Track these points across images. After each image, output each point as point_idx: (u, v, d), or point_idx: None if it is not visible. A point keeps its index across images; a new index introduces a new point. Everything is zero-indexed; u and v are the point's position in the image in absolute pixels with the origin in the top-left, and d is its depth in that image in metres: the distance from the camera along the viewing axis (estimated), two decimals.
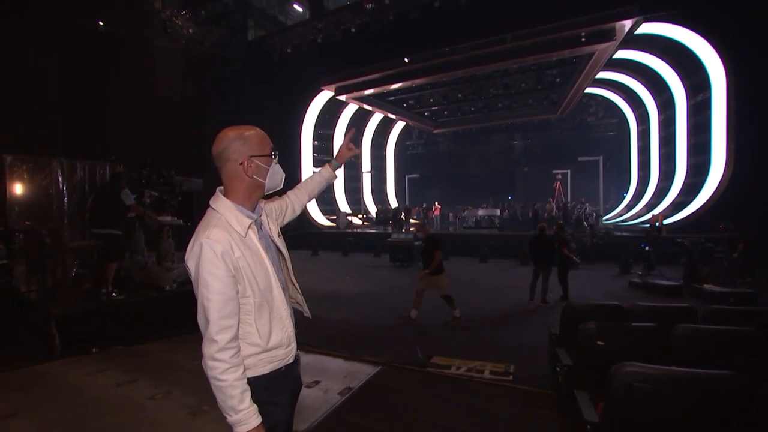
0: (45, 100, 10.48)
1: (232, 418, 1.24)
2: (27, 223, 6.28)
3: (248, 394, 1.26)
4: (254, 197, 1.43)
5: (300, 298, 1.65)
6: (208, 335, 1.23)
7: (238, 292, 1.29)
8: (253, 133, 1.39)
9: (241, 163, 1.35)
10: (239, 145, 1.35)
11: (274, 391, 1.41)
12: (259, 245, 1.39)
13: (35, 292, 5.18)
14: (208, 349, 1.23)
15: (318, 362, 4.38)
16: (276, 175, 1.45)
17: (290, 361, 1.46)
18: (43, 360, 4.33)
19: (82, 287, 6.07)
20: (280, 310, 1.42)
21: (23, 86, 9.89)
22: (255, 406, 1.27)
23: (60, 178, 6.56)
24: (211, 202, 1.38)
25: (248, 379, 1.32)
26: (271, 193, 1.53)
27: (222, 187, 1.41)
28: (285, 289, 1.49)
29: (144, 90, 13.25)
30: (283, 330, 1.42)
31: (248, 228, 1.35)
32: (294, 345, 1.48)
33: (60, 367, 4.18)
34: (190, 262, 1.28)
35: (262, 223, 1.50)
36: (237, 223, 1.33)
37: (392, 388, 3.79)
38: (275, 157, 1.45)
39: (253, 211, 1.43)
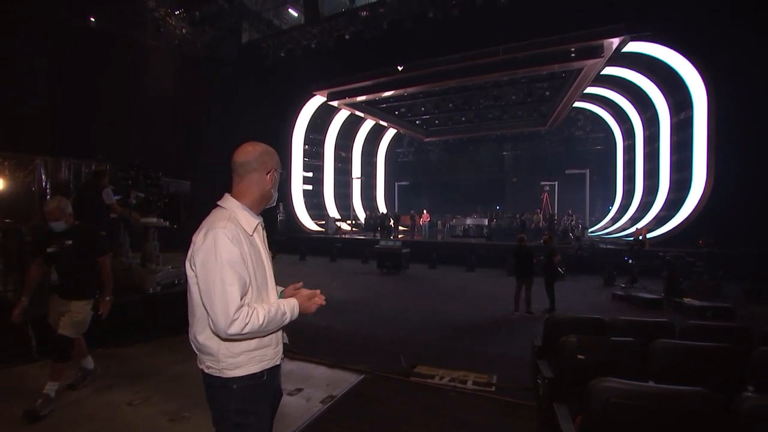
0: (35, 98, 10.31)
1: (287, 323, 1.48)
2: (7, 220, 6.12)
3: (276, 307, 1.42)
4: (262, 206, 1.56)
5: None
6: (228, 316, 1.29)
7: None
8: (273, 150, 1.57)
9: (267, 173, 1.51)
10: (268, 158, 1.52)
11: (253, 399, 1.46)
12: (260, 246, 1.51)
13: (12, 293, 5.05)
14: (232, 328, 1.29)
15: (301, 369, 4.35)
16: (277, 191, 1.60)
17: (278, 362, 1.55)
18: (19, 363, 4.21)
19: None
20: None
21: (12, 83, 9.72)
22: (285, 301, 1.48)
23: (43, 176, 6.43)
24: (221, 202, 1.48)
25: (234, 378, 1.40)
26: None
27: (230, 193, 1.51)
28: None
29: (135, 89, 13.11)
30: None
31: (255, 228, 1.47)
32: (281, 347, 1.57)
33: (36, 371, 4.07)
34: (202, 251, 1.34)
35: (261, 233, 1.61)
36: (246, 222, 1.44)
37: (375, 396, 3.78)
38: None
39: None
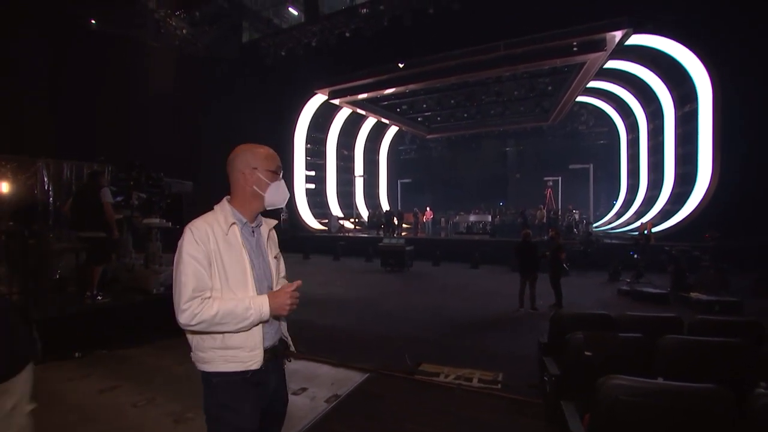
0: (35, 100, 10.32)
1: (252, 319, 1.41)
2: (11, 223, 6.15)
3: (239, 302, 1.40)
4: (253, 207, 1.55)
5: (284, 328, 1.68)
6: (179, 307, 1.35)
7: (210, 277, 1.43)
8: (262, 149, 1.55)
9: (243, 173, 1.51)
10: (247, 156, 1.53)
11: (235, 396, 1.45)
12: (241, 243, 1.48)
13: (17, 295, 5.06)
14: (182, 317, 1.35)
15: (306, 368, 4.33)
16: (277, 193, 1.56)
17: (255, 367, 1.46)
18: None
19: (66, 290, 5.95)
20: None
21: (12, 85, 9.72)
22: (255, 297, 1.43)
23: (45, 179, 6.46)
24: (215, 205, 1.55)
25: (210, 373, 1.44)
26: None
27: (229, 195, 1.57)
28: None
29: (136, 90, 13.11)
30: (249, 332, 1.45)
31: (230, 226, 1.48)
32: (260, 351, 1.47)
33: (41, 373, 4.06)
34: (177, 249, 1.44)
35: (255, 232, 1.60)
36: (223, 221, 1.47)
37: (380, 395, 3.76)
38: (280, 176, 1.57)
39: (252, 220, 1.57)
